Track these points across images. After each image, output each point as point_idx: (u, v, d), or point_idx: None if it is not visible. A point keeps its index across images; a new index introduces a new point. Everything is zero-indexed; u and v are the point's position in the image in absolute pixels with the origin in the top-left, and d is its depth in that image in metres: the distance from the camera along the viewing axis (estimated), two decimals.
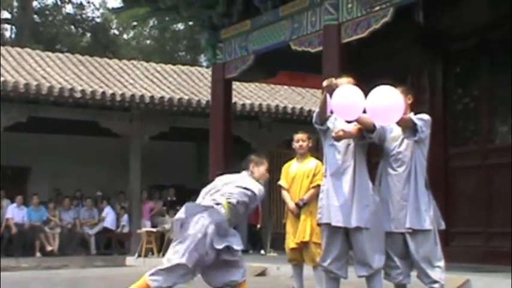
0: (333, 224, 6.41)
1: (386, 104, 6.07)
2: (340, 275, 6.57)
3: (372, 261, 6.40)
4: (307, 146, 8.32)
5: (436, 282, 6.30)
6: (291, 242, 8.22)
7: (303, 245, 8.11)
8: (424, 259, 6.32)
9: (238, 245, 6.50)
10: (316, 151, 8.91)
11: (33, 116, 17.86)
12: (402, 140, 6.46)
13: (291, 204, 8.19)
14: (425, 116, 6.52)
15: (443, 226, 6.54)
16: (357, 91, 6.20)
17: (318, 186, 7.93)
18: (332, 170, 6.50)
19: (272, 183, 19.95)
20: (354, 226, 6.36)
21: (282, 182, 8.44)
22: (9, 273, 12.91)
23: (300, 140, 8.32)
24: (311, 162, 8.30)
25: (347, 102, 6.13)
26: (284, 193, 8.38)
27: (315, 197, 8.05)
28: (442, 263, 6.37)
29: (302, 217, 8.12)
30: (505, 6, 10.34)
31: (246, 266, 6.70)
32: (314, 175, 8.16)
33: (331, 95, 6.32)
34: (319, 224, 6.66)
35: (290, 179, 8.31)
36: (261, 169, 6.94)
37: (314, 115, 6.60)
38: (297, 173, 8.26)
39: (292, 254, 8.29)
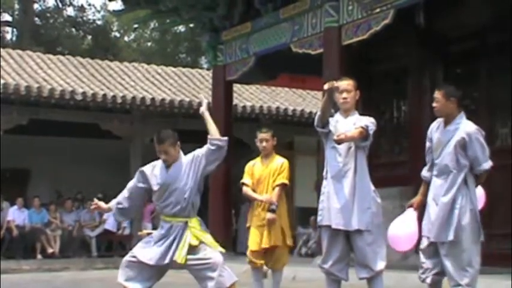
0: (334, 226, 6.41)
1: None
2: (341, 277, 6.57)
3: (373, 263, 6.40)
4: (271, 145, 7.96)
5: (459, 285, 6.10)
6: (255, 245, 7.88)
7: (271, 249, 7.85)
8: (452, 263, 6.11)
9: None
10: (317, 153, 8.90)
11: (34, 118, 17.87)
12: (442, 150, 6.25)
13: (265, 197, 7.79)
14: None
15: (482, 238, 6.21)
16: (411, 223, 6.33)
17: (283, 184, 7.88)
18: (333, 173, 6.49)
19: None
20: (354, 229, 6.37)
21: (246, 180, 8.00)
22: (10, 275, 12.93)
23: (264, 140, 7.94)
24: (277, 161, 7.96)
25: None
26: (247, 189, 7.95)
27: (282, 197, 7.96)
28: (473, 270, 6.10)
29: (266, 218, 7.79)
30: (505, 8, 10.36)
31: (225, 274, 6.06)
32: (279, 174, 7.84)
33: (332, 97, 6.35)
34: (319, 226, 6.66)
35: (255, 180, 7.95)
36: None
37: (315, 118, 6.59)
38: (262, 174, 7.91)
39: (254, 257, 7.93)
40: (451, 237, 6.09)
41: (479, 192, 6.49)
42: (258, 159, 8.09)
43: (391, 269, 6.89)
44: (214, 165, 6.25)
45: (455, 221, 6.12)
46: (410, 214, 6.40)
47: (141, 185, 6.29)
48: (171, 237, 6.08)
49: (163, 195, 6.17)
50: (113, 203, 6.35)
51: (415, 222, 6.33)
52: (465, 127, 6.28)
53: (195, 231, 6.05)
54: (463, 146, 6.19)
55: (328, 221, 6.45)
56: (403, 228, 6.35)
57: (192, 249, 6.04)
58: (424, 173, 6.46)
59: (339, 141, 6.32)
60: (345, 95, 6.53)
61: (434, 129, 6.40)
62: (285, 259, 8.09)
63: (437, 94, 6.32)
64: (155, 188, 6.20)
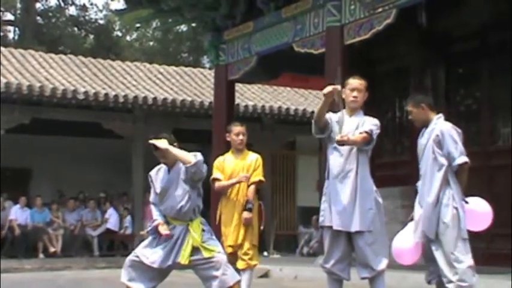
0: (335, 227, 6.41)
1: None
2: (342, 276, 6.57)
3: (374, 263, 6.40)
4: (246, 139, 7.81)
5: (451, 282, 6.17)
6: (227, 247, 7.62)
7: (238, 247, 7.67)
8: (441, 260, 6.21)
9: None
10: (320, 153, 8.89)
11: (36, 117, 17.87)
12: (423, 153, 6.36)
13: (241, 176, 7.56)
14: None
15: (464, 235, 6.28)
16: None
17: (259, 181, 7.73)
18: (335, 173, 6.49)
19: (274, 185, 20.07)
20: (355, 230, 6.37)
21: (218, 175, 7.75)
22: (12, 274, 12.94)
23: (241, 133, 7.75)
24: (251, 156, 7.78)
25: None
26: (219, 183, 7.72)
27: (256, 193, 7.81)
28: (462, 265, 6.19)
29: (236, 216, 7.67)
30: (506, 7, 10.36)
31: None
32: (254, 170, 7.67)
33: (329, 101, 6.34)
34: (321, 227, 6.66)
35: (227, 176, 7.73)
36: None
37: (312, 127, 6.53)
38: (235, 168, 7.70)
39: (231, 259, 7.47)
40: (432, 235, 6.20)
41: (486, 210, 6.50)
42: (228, 154, 7.90)
43: (392, 269, 6.89)
44: (200, 182, 6.16)
45: (437, 218, 6.22)
46: (411, 227, 6.44)
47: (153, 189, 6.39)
48: (174, 238, 6.08)
49: (162, 199, 6.18)
50: (159, 219, 6.22)
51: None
52: (440, 126, 6.39)
53: (194, 235, 6.04)
54: (438, 143, 6.29)
55: (329, 222, 6.45)
56: (404, 242, 6.41)
57: (195, 250, 6.05)
58: (419, 183, 6.49)
59: (341, 143, 6.31)
60: (355, 93, 6.52)
61: (419, 137, 6.50)
62: (253, 259, 7.74)
63: (408, 107, 6.51)
64: (158, 191, 6.22)
